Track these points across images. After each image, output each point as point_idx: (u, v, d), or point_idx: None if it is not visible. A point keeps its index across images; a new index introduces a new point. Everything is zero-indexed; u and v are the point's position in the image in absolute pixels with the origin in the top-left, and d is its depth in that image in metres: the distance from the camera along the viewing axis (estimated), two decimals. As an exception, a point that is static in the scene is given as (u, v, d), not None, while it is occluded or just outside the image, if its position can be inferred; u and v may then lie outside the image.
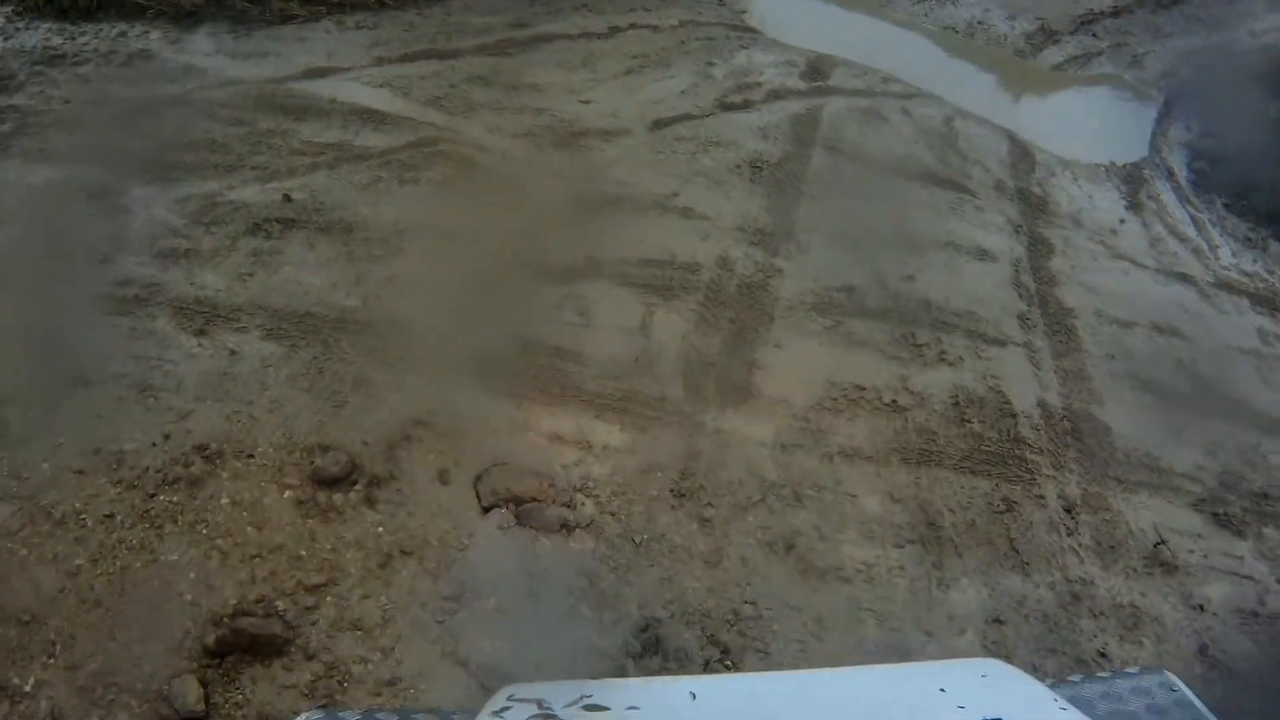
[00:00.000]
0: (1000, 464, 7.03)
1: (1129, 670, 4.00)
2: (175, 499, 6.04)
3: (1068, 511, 6.86)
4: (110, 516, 5.98)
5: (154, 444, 6.32)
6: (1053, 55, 12.33)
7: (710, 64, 10.77)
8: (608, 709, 2.90)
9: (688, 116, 9.92)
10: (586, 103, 9.77)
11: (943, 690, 3.06)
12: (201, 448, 6.27)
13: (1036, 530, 6.71)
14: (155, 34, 10.08)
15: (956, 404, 7.37)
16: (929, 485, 6.79)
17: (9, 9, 10.62)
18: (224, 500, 6.06)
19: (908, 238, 8.89)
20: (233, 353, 6.88)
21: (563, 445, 6.56)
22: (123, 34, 10.10)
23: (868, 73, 11.18)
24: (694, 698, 3.00)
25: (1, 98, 9.34)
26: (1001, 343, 7.98)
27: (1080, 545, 6.72)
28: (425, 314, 7.09)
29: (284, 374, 6.77)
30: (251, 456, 6.25)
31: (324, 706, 4.82)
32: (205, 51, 9.86)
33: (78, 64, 9.77)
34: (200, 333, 7.02)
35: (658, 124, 9.72)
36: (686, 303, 7.68)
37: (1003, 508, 6.76)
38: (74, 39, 10.01)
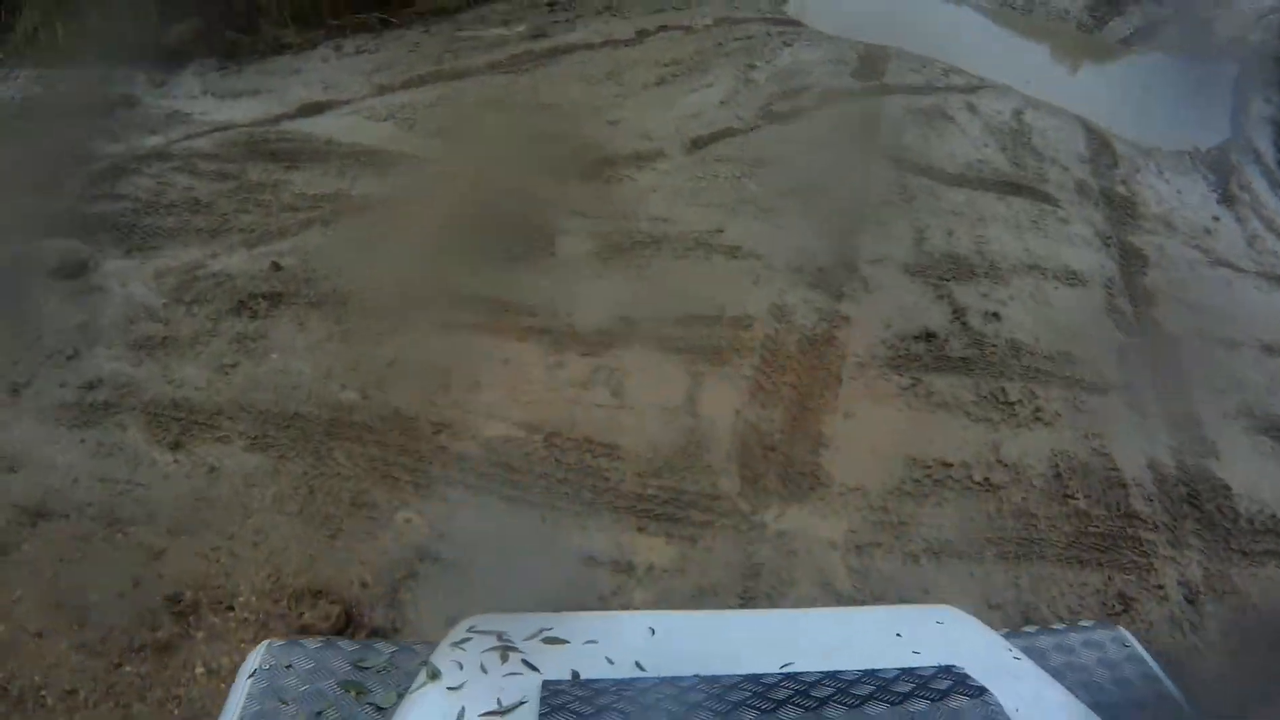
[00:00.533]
0: (1112, 549, 5.90)
1: (1083, 624, 3.96)
2: (143, 670, 5.07)
3: (1190, 602, 5.70)
4: (73, 693, 5.03)
5: (122, 594, 5.36)
6: (1118, 27, 11.12)
7: (751, 67, 9.63)
8: (567, 642, 2.93)
9: (729, 132, 8.80)
10: (614, 123, 8.68)
11: (899, 635, 3.05)
12: (174, 599, 5.29)
13: (1157, 632, 5.58)
14: (140, 77, 9.10)
15: (1058, 475, 6.23)
16: (1031, 585, 5.67)
17: (-12, 54, 9.66)
18: (198, 669, 5.09)
19: (988, 262, 7.73)
20: (212, 469, 5.89)
21: (597, 569, 5.49)
22: (107, 79, 9.10)
23: (926, 65, 9.99)
24: (653, 633, 3.02)
25: None
26: (1102, 390, 6.82)
27: (1205, 644, 5.56)
28: (431, 407, 6.07)
29: (270, 495, 5.77)
30: (231, 609, 5.25)
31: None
32: (191, 93, 8.89)
33: (57, 118, 8.76)
34: (176, 445, 6.04)
35: (696, 143, 8.62)
36: (740, 368, 6.58)
37: (1118, 607, 5.62)
38: (53, 87, 9.02)
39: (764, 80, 9.51)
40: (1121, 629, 3.89)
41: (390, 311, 6.78)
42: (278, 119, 8.55)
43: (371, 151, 8.11)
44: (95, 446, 6.09)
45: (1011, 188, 8.69)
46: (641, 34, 9.94)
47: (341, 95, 8.80)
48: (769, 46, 9.97)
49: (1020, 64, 10.59)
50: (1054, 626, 3.95)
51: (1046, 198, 8.66)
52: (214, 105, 8.81)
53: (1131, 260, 8.20)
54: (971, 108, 9.59)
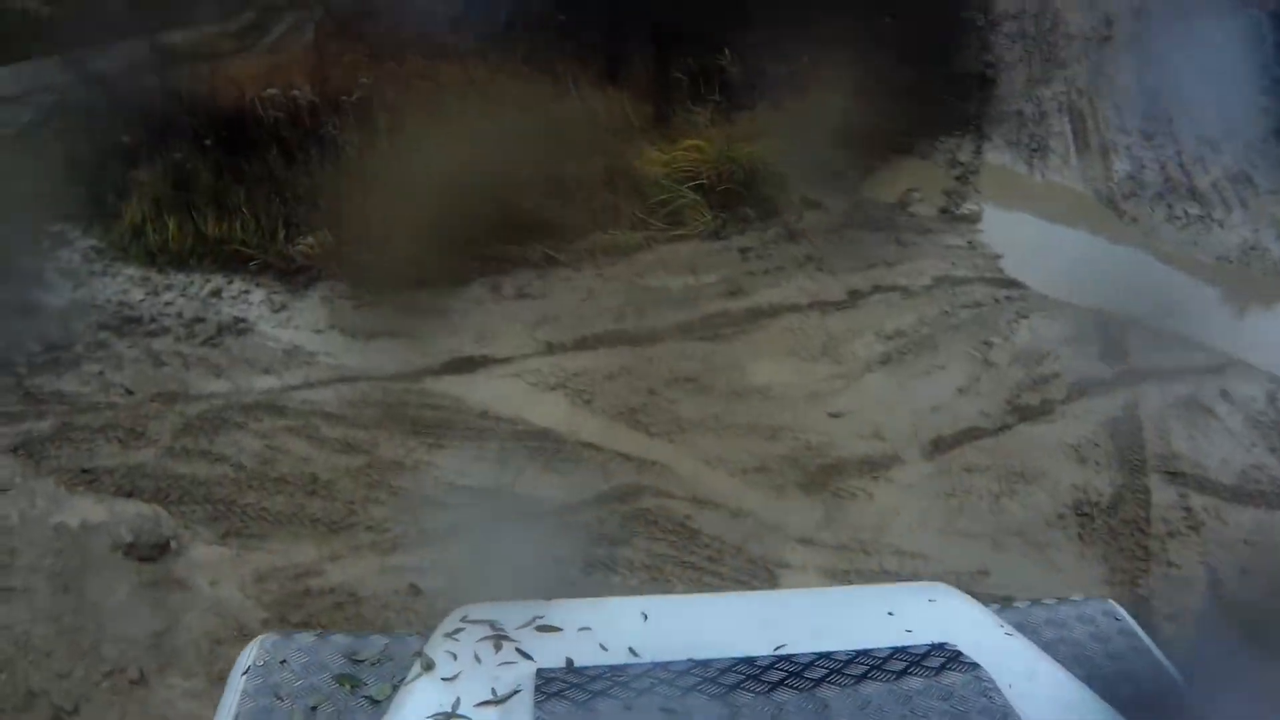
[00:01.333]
0: None
1: (1073, 598, 3.94)
2: None
3: None
4: None
5: None
6: (1339, 282, 9.45)
7: (987, 344, 7.95)
8: (560, 630, 2.94)
9: (976, 431, 7.13)
10: (837, 415, 6.96)
11: (891, 614, 3.08)
12: None
13: None
14: (257, 295, 7.62)
15: None
16: None
17: (88, 243, 8.15)
18: None
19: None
20: None
21: None
22: (217, 292, 7.68)
23: (1164, 339, 8.27)
24: (645, 618, 3.03)
25: (49, 377, 7.02)
26: None
27: None
28: None
29: None
30: None
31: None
32: (316, 326, 7.38)
33: (153, 334, 7.36)
34: None
35: (938, 446, 6.91)
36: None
37: None
38: (157, 294, 7.66)
39: (1005, 363, 7.81)
40: (1112, 602, 3.83)
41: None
42: (419, 374, 6.94)
43: (539, 434, 6.43)
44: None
45: (1294, 506, 6.90)
46: (854, 295, 8.31)
47: (500, 350, 7.20)
48: (1002, 318, 8.30)
49: (1253, 332, 9.17)
50: (1044, 600, 3.85)
51: (1329, 518, 6.87)
52: (343, 345, 7.22)
53: None
54: (1226, 395, 7.89)
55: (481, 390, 6.83)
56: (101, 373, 7.13)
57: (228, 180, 8.78)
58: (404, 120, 9.34)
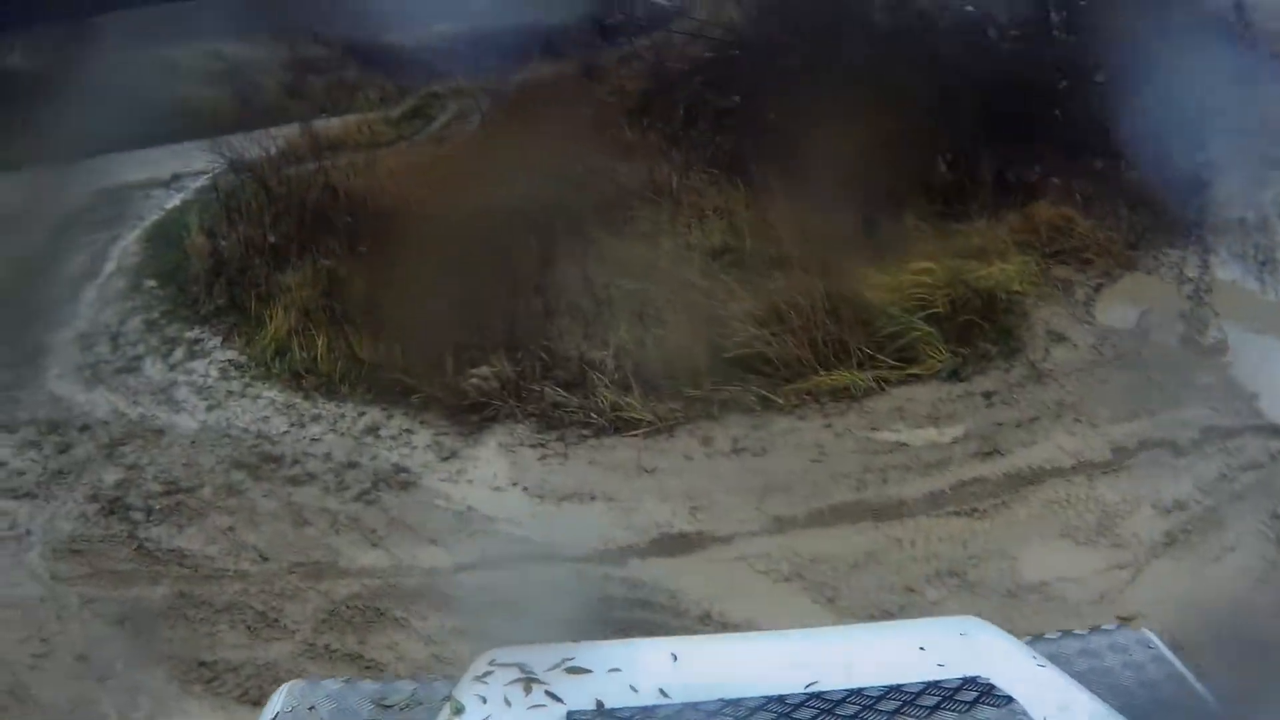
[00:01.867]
0: None
1: (1106, 627, 3.85)
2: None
3: None
4: None
5: None
6: None
7: (1277, 518, 6.35)
8: (590, 671, 2.83)
9: (1288, 636, 5.46)
10: (1128, 620, 5.41)
11: (922, 649, 2.97)
12: None
13: None
14: (421, 436, 6.54)
15: None
16: None
17: (227, 355, 7.02)
18: None
19: None
20: None
21: None
22: (373, 429, 6.61)
23: None
24: (675, 659, 2.93)
25: (168, 529, 5.99)
26: None
27: None
28: None
29: None
30: None
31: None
32: (495, 481, 6.30)
33: (296, 481, 6.25)
34: None
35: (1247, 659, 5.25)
36: None
37: None
38: (302, 425, 6.64)
39: (1305, 544, 6.33)
40: (1145, 630, 3.71)
41: None
42: (623, 554, 5.66)
43: (778, 646, 4.93)
44: None
45: None
46: (1120, 453, 6.87)
47: (719, 524, 5.90)
48: (1284, 477, 6.77)
49: None
50: (1076, 631, 3.76)
51: None
52: (526, 508, 6.02)
53: None
54: None
55: (701, 580, 5.50)
56: (232, 529, 6.00)
57: (385, 291, 7.59)
58: (583, 226, 8.15)
